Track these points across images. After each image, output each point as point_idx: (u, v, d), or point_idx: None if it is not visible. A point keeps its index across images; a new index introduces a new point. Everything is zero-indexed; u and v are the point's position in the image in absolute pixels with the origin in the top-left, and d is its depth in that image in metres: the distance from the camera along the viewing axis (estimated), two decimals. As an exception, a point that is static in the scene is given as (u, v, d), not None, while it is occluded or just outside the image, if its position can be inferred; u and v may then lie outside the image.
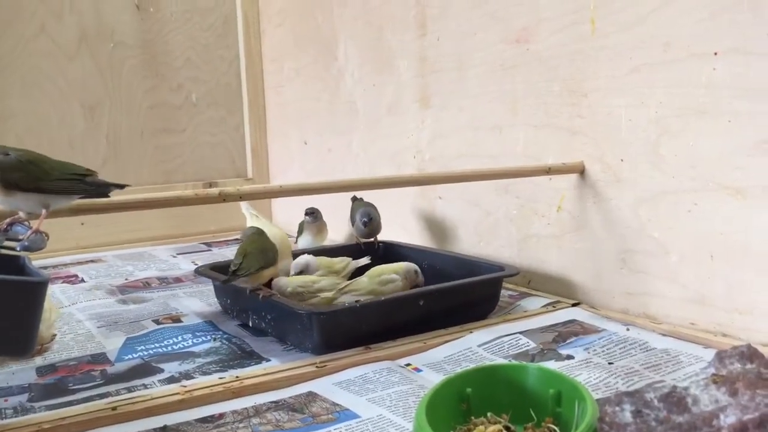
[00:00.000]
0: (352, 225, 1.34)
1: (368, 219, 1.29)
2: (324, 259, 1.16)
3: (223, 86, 1.94)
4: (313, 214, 1.43)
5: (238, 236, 1.75)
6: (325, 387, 0.83)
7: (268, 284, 1.05)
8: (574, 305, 1.09)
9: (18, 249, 0.65)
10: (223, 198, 0.83)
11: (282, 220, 1.97)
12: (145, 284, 1.36)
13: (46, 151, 1.87)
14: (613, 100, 1.04)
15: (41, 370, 0.92)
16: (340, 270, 1.14)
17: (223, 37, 1.93)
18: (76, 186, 0.76)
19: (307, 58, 1.78)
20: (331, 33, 1.67)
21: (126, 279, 1.41)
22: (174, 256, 1.61)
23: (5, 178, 0.71)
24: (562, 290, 1.15)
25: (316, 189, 0.95)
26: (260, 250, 1.02)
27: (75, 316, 1.16)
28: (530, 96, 1.18)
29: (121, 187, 0.78)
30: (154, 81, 1.84)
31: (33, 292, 0.50)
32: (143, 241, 1.76)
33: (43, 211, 0.71)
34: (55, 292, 1.31)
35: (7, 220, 0.71)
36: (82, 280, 1.41)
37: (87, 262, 1.58)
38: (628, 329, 0.96)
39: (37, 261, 1.57)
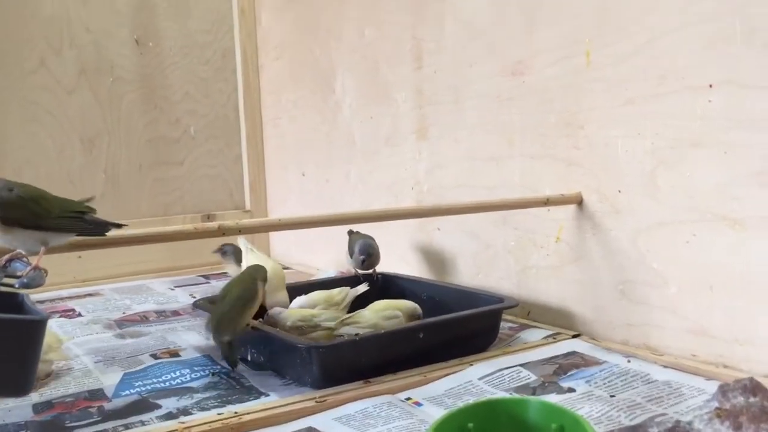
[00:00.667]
0: (350, 257, 1.34)
1: (367, 255, 1.29)
2: (322, 292, 1.15)
3: (221, 119, 1.95)
4: (222, 251, 1.44)
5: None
6: (325, 422, 0.82)
7: (261, 313, 1.05)
8: (574, 336, 1.09)
9: (17, 285, 0.65)
10: (223, 232, 0.83)
11: (280, 251, 1.96)
12: (143, 318, 1.36)
13: (44, 184, 1.88)
14: (609, 131, 1.05)
15: (38, 407, 0.91)
16: (339, 301, 1.14)
17: (222, 70, 1.95)
18: (76, 224, 0.76)
19: (304, 91, 1.79)
20: (328, 66, 1.69)
21: (123, 313, 1.40)
22: (172, 289, 1.60)
23: (6, 216, 0.71)
24: (562, 321, 1.15)
25: (314, 222, 0.95)
26: (231, 305, 1.01)
27: (72, 351, 1.15)
28: (527, 127, 1.19)
29: (119, 226, 0.78)
30: (153, 114, 1.85)
31: (31, 330, 0.50)
32: (141, 273, 1.75)
33: (42, 248, 0.71)
34: (52, 326, 1.30)
35: (6, 257, 0.71)
36: (80, 314, 1.40)
37: (85, 296, 1.57)
38: (629, 361, 0.96)
39: (34, 295, 1.56)
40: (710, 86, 0.91)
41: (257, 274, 1.06)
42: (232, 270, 1.44)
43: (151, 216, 1.83)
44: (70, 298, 1.55)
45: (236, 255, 1.43)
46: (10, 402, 0.92)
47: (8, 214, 0.71)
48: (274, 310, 1.08)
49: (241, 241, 1.37)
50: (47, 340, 0.93)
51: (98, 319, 1.36)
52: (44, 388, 0.98)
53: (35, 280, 0.66)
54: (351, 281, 1.31)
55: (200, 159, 1.93)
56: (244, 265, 1.33)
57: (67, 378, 1.02)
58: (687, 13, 0.93)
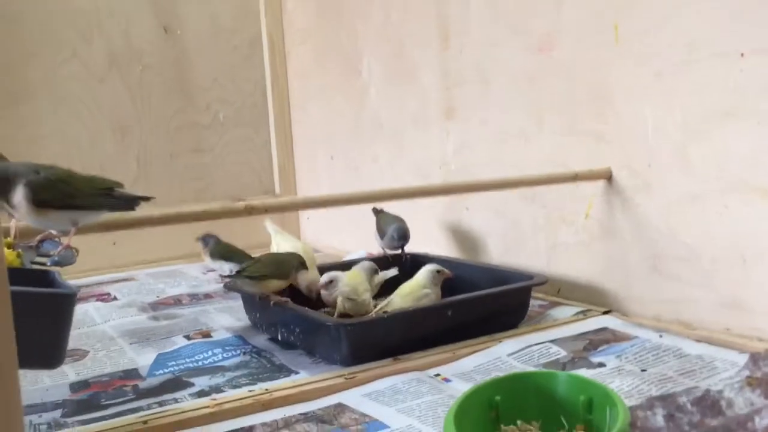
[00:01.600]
0: (380, 238, 1.34)
1: (404, 240, 1.29)
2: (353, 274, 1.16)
3: (249, 106, 1.97)
4: (204, 240, 1.45)
5: (263, 252, 1.77)
6: (354, 398, 0.83)
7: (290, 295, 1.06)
8: (605, 313, 1.08)
9: (49, 264, 0.66)
10: (249, 211, 0.84)
11: (309, 235, 1.98)
12: (177, 301, 1.38)
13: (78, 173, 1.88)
14: (638, 105, 1.03)
15: (74, 387, 0.93)
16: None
17: (249, 57, 1.96)
18: (106, 201, 0.77)
19: (331, 75, 1.80)
20: (354, 49, 1.69)
21: (157, 296, 1.43)
22: (204, 273, 1.62)
23: (37, 198, 0.72)
24: (592, 298, 1.14)
25: (340, 200, 0.96)
26: (274, 261, 1.03)
27: (108, 333, 1.17)
28: (555, 104, 1.17)
29: (147, 199, 0.79)
30: (182, 102, 1.87)
31: (62, 303, 0.51)
32: (174, 259, 1.77)
33: (72, 228, 0.72)
34: (88, 310, 1.33)
35: (38, 237, 0.72)
36: (115, 298, 1.43)
37: (120, 281, 1.60)
38: (661, 336, 0.94)
39: (70, 280, 1.60)
40: (741, 55, 0.88)
41: (294, 261, 1.07)
42: (207, 261, 1.46)
43: (183, 202, 1.85)
44: (106, 283, 1.58)
45: (217, 249, 1.45)
46: (47, 380, 0.95)
47: (39, 196, 0.71)
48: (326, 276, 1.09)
49: (269, 225, 1.38)
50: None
51: (133, 302, 1.38)
52: (80, 368, 1.00)
53: (67, 259, 0.68)
54: (380, 262, 1.31)
55: (230, 145, 1.94)
56: (273, 247, 1.34)
57: (103, 359, 1.04)
58: (717, -19, 0.91)
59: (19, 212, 0.71)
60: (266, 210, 0.86)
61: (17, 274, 0.59)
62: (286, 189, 1.99)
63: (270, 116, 1.99)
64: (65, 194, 0.73)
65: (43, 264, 0.66)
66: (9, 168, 0.72)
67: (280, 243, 1.31)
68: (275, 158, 1.99)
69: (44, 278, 0.57)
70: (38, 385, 0.94)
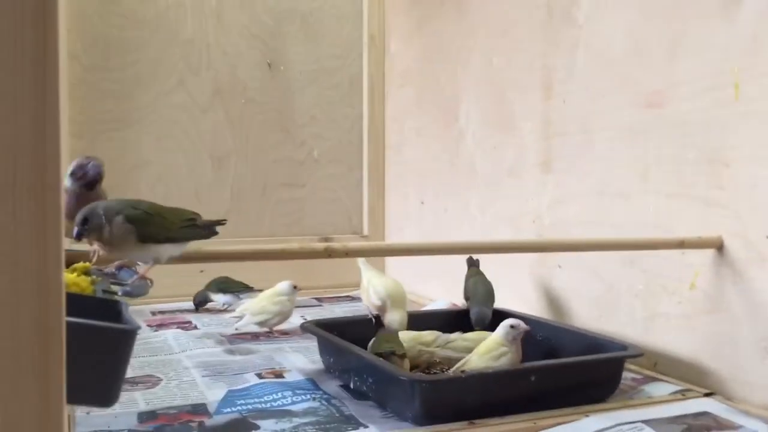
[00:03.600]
0: (465, 300, 1.28)
1: (480, 325, 1.19)
2: (411, 333, 1.11)
3: (345, 144, 1.97)
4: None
5: (350, 293, 1.74)
6: (423, 463, 0.77)
7: None
8: (706, 395, 0.98)
9: (120, 293, 0.65)
10: (329, 254, 0.81)
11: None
12: (254, 336, 1.36)
13: (175, 200, 1.97)
14: (759, 170, 0.95)
15: (142, 416, 0.92)
16: (428, 343, 1.09)
17: (348, 96, 1.96)
18: (192, 232, 0.79)
19: (428, 118, 1.77)
20: (453, 93, 1.66)
21: (236, 329, 1.42)
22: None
23: (141, 232, 0.73)
24: (693, 377, 1.04)
25: (424, 249, 0.92)
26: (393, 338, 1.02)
27: (183, 363, 1.17)
28: (662, 163, 1.10)
29: (223, 222, 0.82)
30: (280, 136, 1.89)
31: (121, 339, 0.49)
32: (260, 291, 1.77)
33: (151, 261, 0.72)
34: (168, 337, 1.33)
35: (116, 263, 0.72)
36: (195, 327, 1.43)
37: (203, 310, 1.60)
38: (771, 429, 0.84)
39: (156, 305, 1.62)
40: None
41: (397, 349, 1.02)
42: (214, 298, 1.57)
43: (272, 236, 1.86)
44: (190, 311, 1.59)
45: (214, 282, 1.56)
46: (117, 407, 0.94)
47: (143, 230, 0.73)
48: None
49: (361, 262, 1.34)
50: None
51: (212, 333, 1.38)
52: (151, 397, 0.99)
53: (139, 289, 0.67)
54: (459, 316, 1.26)
55: (322, 182, 1.94)
56: (364, 282, 1.29)
57: (174, 389, 1.03)
58: None
59: (117, 247, 0.71)
60: (347, 254, 0.83)
61: (85, 302, 0.58)
62: (374, 230, 1.97)
63: (364, 156, 1.98)
64: (165, 228, 0.75)
65: (115, 293, 0.65)
66: (98, 205, 0.74)
67: (371, 279, 1.26)
68: (366, 198, 1.98)
69: (112, 309, 0.56)
70: (108, 411, 0.93)
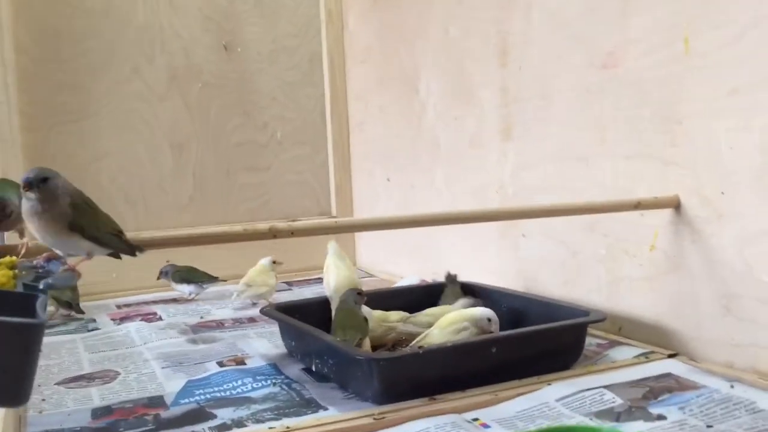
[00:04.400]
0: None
1: None
2: (378, 312, 1.10)
3: (308, 124, 1.93)
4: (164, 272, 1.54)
5: (321, 275, 1.72)
6: (380, 442, 0.76)
7: None
8: (670, 356, 0.97)
9: (42, 286, 0.62)
10: (274, 234, 0.79)
11: (366, 259, 1.92)
12: (219, 324, 1.34)
13: (138, 190, 1.91)
14: (712, 125, 0.93)
15: (97, 412, 0.89)
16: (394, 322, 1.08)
17: (309, 75, 1.93)
18: (117, 242, 0.78)
19: (390, 94, 1.74)
20: (413, 67, 1.63)
21: (201, 317, 1.40)
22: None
23: (74, 222, 0.72)
24: (656, 339, 1.03)
25: (369, 225, 0.89)
26: (352, 318, 1.01)
27: (143, 356, 1.14)
28: (619, 123, 1.08)
29: (142, 250, 0.82)
30: (241, 119, 1.85)
31: (26, 334, 0.46)
32: (228, 279, 1.74)
33: (84, 255, 0.70)
34: (130, 330, 1.31)
35: (44, 255, 0.70)
36: (160, 318, 1.41)
37: (169, 300, 1.58)
38: (732, 386, 0.83)
39: (122, 298, 1.59)
40: (831, 69, 0.78)
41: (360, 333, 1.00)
42: (174, 287, 1.55)
43: (238, 221, 1.82)
44: (156, 302, 1.56)
45: (177, 273, 1.53)
46: (72, 404, 0.92)
47: (77, 221, 0.73)
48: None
49: (331, 246, 1.31)
50: None
51: (176, 323, 1.35)
52: (106, 392, 0.96)
53: (63, 281, 0.64)
54: (433, 290, 1.24)
55: (286, 164, 1.91)
56: (325, 267, 1.26)
57: (132, 383, 1.01)
58: (803, -14, 0.80)
59: (46, 223, 0.69)
60: (292, 233, 0.80)
61: (5, 298, 0.55)
62: (342, 210, 1.94)
63: (328, 135, 1.95)
64: (95, 226, 0.75)
65: (37, 287, 0.63)
66: (60, 176, 0.73)
67: (330, 266, 1.24)
68: (332, 179, 1.95)
69: (26, 303, 0.53)
70: (61, 408, 0.91)
